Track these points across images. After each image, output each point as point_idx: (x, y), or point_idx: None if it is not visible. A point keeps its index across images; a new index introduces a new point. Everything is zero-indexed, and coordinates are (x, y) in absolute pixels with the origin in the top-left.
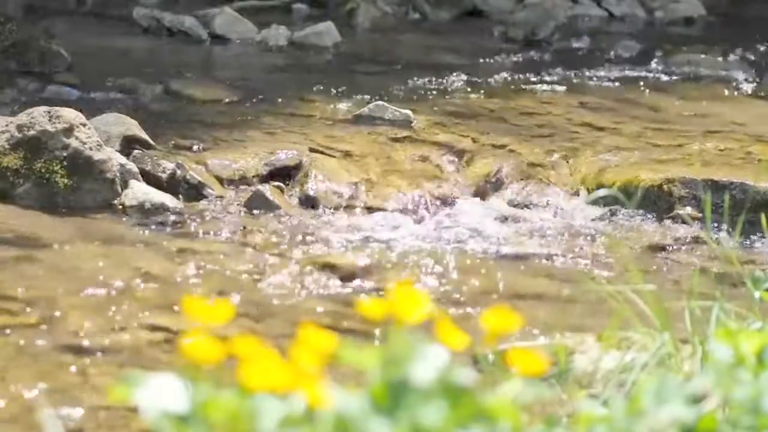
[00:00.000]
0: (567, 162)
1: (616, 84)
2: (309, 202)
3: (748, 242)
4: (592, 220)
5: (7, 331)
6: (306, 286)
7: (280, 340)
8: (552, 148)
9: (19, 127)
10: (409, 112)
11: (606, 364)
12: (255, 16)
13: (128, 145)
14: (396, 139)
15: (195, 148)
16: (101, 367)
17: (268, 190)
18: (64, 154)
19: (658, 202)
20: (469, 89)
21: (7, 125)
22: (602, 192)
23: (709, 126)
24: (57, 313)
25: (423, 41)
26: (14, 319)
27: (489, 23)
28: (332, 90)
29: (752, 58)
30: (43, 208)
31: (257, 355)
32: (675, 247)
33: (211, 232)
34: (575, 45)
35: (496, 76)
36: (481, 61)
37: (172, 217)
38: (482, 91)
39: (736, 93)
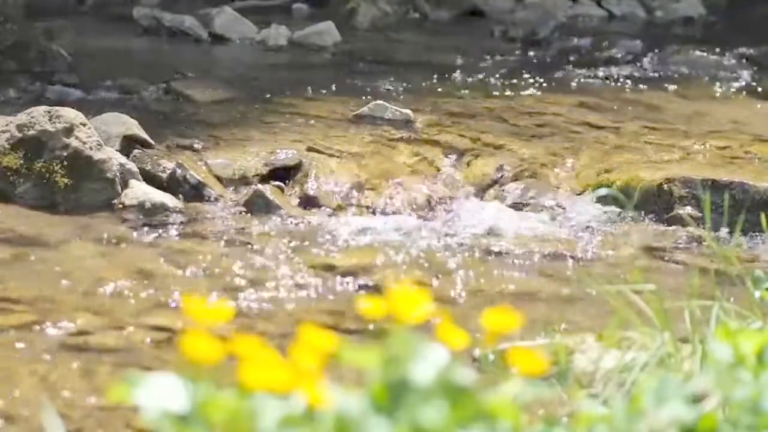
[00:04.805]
0: (567, 162)
1: (616, 84)
2: (309, 202)
3: (748, 242)
4: (592, 219)
5: (8, 331)
6: (306, 286)
7: (280, 340)
8: (552, 148)
9: (19, 127)
10: (409, 112)
11: (606, 363)
12: (255, 16)
13: (128, 144)
14: (396, 139)
15: (195, 147)
16: (101, 366)
17: (268, 189)
18: (64, 154)
19: (658, 202)
20: (469, 89)
21: (7, 125)
22: (602, 192)
23: (709, 126)
24: (57, 313)
25: (423, 41)
26: (14, 319)
27: (489, 23)
28: (332, 90)
29: (752, 58)
30: (43, 208)
31: (257, 355)
32: (675, 247)
33: (211, 232)
34: (575, 45)
35: (496, 76)
36: (481, 61)
37: (172, 217)
38: (482, 91)
39: (735, 93)
